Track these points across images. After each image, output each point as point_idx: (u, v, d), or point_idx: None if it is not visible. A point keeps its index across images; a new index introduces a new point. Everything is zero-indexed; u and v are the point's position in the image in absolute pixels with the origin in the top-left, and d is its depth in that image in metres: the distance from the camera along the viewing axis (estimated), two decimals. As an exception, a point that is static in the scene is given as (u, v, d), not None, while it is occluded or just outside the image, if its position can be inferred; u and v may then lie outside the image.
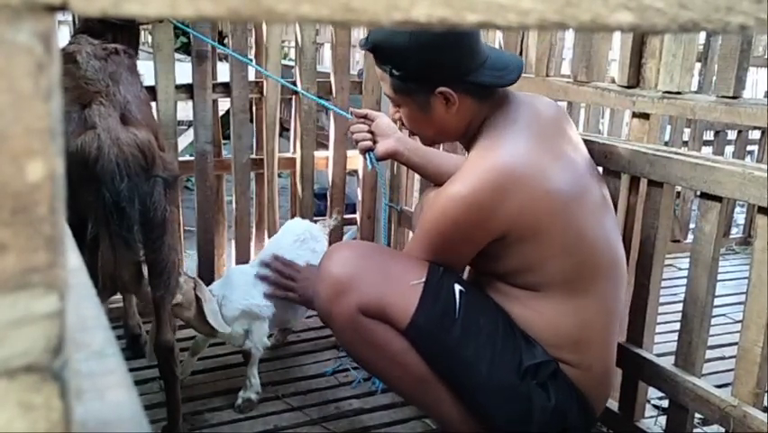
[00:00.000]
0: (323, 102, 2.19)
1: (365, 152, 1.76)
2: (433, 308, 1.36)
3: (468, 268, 1.54)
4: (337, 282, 1.38)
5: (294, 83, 2.40)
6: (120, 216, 1.34)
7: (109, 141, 1.31)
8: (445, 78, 1.37)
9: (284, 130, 3.79)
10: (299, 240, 1.92)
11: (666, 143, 2.85)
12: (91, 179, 1.31)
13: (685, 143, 3.24)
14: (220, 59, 2.63)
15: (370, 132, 1.76)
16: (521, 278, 1.39)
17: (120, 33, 1.77)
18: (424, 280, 1.37)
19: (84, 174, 1.31)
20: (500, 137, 1.36)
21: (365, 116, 1.77)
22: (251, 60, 2.25)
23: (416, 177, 2.31)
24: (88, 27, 1.71)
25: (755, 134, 3.83)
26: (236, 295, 1.77)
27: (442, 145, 2.38)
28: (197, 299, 1.69)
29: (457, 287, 1.39)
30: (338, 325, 1.41)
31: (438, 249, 1.40)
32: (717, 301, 1.57)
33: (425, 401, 1.46)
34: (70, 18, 2.69)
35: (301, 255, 1.87)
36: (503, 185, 1.30)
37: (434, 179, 1.80)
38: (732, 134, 3.58)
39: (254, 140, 2.54)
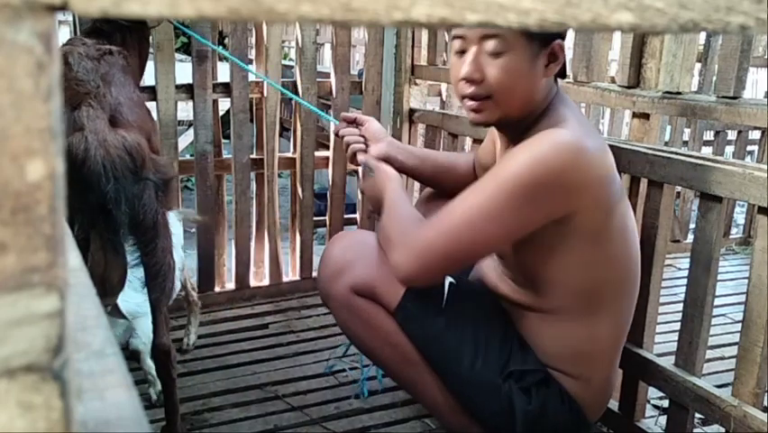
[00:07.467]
0: (318, 110, 2.13)
1: (354, 158, 1.70)
2: (419, 294, 1.39)
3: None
4: (335, 264, 1.45)
5: (294, 83, 2.39)
6: (106, 218, 1.33)
7: (96, 143, 1.30)
8: (557, 36, 1.28)
9: (284, 130, 3.79)
10: None
11: (666, 143, 2.85)
12: (78, 181, 1.30)
13: (685, 143, 3.24)
14: (220, 59, 2.63)
15: (362, 136, 1.74)
16: (546, 294, 1.35)
17: (129, 34, 1.76)
18: None
19: (71, 176, 1.30)
20: (577, 124, 1.25)
21: (354, 120, 1.73)
22: (247, 66, 2.24)
23: (416, 177, 2.30)
24: (96, 28, 1.70)
25: (755, 134, 3.83)
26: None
27: (441, 147, 2.38)
28: None
29: (448, 278, 1.41)
30: (335, 304, 1.47)
31: (502, 204, 1.21)
32: (717, 301, 1.57)
33: (415, 386, 1.48)
34: (71, 18, 2.69)
35: None
36: (591, 159, 1.20)
37: (430, 178, 1.75)
38: (732, 134, 3.58)
39: (254, 140, 2.55)
